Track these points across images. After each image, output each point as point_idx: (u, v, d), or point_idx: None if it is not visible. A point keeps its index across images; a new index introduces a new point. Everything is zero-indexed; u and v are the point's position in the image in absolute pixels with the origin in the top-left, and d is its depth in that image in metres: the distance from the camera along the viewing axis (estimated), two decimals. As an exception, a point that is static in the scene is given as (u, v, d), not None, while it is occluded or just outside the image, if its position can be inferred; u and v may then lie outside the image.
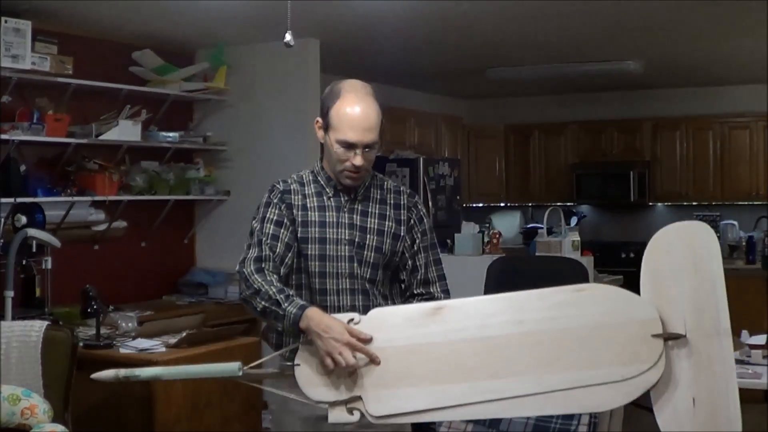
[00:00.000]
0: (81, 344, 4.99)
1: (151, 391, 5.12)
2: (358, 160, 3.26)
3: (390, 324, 2.95)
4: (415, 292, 3.43)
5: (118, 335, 5.65)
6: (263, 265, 3.25)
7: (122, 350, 5.32)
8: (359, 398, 2.71)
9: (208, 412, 5.45)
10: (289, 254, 3.32)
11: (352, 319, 2.98)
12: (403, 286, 3.48)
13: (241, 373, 2.86)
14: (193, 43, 7.80)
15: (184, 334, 5.56)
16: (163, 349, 5.35)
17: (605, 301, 2.61)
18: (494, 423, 4.46)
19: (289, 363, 3.06)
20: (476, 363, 2.63)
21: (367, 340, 2.97)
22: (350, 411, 2.69)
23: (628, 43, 8.41)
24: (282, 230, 3.32)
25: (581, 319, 2.55)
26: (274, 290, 3.16)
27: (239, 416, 5.68)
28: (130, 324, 5.76)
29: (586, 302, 2.67)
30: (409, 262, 3.43)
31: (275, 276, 3.23)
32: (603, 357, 2.46)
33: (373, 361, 2.92)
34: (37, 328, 4.72)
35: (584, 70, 9.69)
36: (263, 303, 3.16)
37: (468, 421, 4.51)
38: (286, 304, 3.11)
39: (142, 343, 5.40)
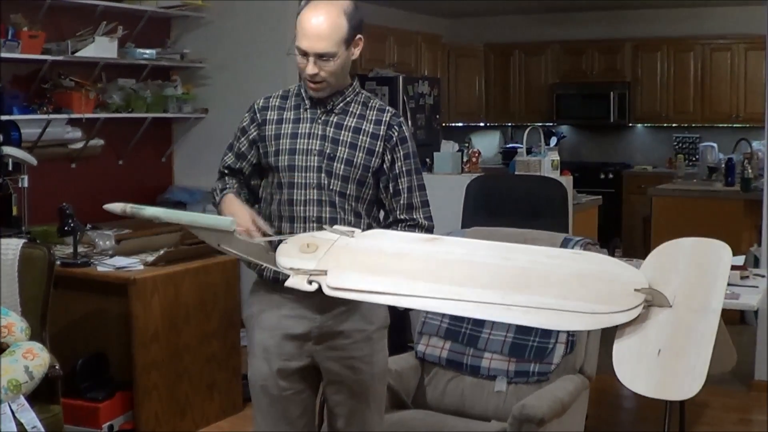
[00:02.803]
0: (58, 262, 4.97)
1: (129, 308, 5.13)
2: (309, 68, 3.24)
3: (384, 237, 2.95)
4: (399, 217, 3.39)
5: (96, 253, 5.64)
6: (224, 171, 3.52)
7: (100, 268, 5.31)
8: (324, 273, 2.70)
9: (185, 329, 5.47)
10: (244, 163, 3.48)
11: (353, 232, 2.96)
12: (384, 211, 3.46)
13: (233, 229, 2.90)
14: (170, -41, 7.69)
15: (162, 251, 5.56)
16: (141, 267, 5.35)
17: (598, 261, 2.60)
18: (472, 341, 4.48)
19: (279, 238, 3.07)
20: (450, 272, 2.62)
21: (268, 234, 3.16)
22: (310, 282, 2.69)
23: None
24: (241, 141, 3.48)
25: (568, 269, 2.54)
26: (219, 186, 3.46)
27: (217, 333, 5.70)
28: (107, 242, 5.75)
29: (579, 259, 2.67)
30: (391, 185, 3.40)
31: (233, 179, 3.49)
32: (577, 293, 2.44)
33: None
34: (13, 246, 4.70)
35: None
36: (214, 199, 3.46)
37: (446, 339, 4.54)
38: (218, 195, 3.41)
39: (120, 261, 5.39)
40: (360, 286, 2.66)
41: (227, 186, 3.42)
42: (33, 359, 4.17)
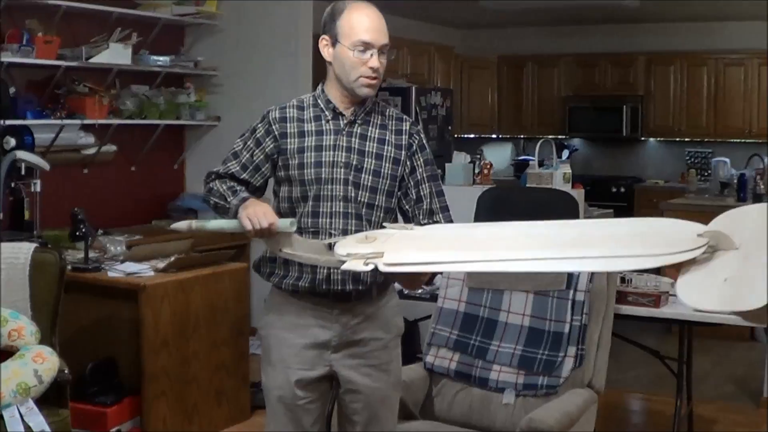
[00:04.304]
0: (69, 267, 4.98)
1: (139, 314, 5.13)
2: (374, 62, 3.26)
3: (442, 226, 2.99)
4: (422, 222, 3.40)
5: (107, 259, 5.64)
6: (223, 176, 3.43)
7: (110, 274, 5.32)
8: (381, 255, 2.71)
9: (195, 336, 5.47)
10: (257, 176, 3.42)
11: (411, 226, 2.99)
12: (404, 218, 3.46)
13: (294, 230, 2.93)
14: (185, -34, 7.71)
15: (172, 258, 5.56)
16: (152, 273, 5.35)
17: (659, 221, 2.61)
18: (481, 353, 4.47)
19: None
20: (507, 242, 2.64)
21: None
22: (366, 263, 2.70)
23: (625, -24, 8.34)
24: (255, 153, 3.40)
25: (628, 228, 2.55)
26: (224, 187, 3.34)
27: (226, 341, 5.70)
28: (118, 248, 5.76)
29: (640, 222, 2.68)
30: (413, 191, 3.41)
31: (234, 182, 3.38)
32: (637, 244, 2.44)
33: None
34: (25, 250, 4.70)
35: (580, 3, 9.64)
36: (214, 199, 3.36)
37: (455, 351, 4.53)
38: (231, 198, 3.27)
39: (131, 266, 5.40)
40: (417, 260, 2.69)
41: (238, 190, 3.33)
42: (42, 363, 4.18)
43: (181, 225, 3.14)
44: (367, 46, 3.25)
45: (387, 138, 3.39)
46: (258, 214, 3.08)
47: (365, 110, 3.40)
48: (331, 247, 2.97)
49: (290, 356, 3.40)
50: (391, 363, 3.50)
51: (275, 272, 3.42)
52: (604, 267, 2.54)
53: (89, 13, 6.76)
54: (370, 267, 2.70)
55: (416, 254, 2.71)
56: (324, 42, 3.35)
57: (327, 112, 3.39)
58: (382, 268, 2.68)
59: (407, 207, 3.43)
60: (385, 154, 3.37)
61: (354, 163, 3.33)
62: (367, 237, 2.84)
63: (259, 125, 3.43)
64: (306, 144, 3.35)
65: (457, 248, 2.70)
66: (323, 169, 3.32)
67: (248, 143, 3.43)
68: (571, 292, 4.35)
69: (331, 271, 3.30)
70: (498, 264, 2.66)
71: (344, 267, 2.77)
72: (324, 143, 3.35)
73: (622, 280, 4.99)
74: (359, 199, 3.33)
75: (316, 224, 3.32)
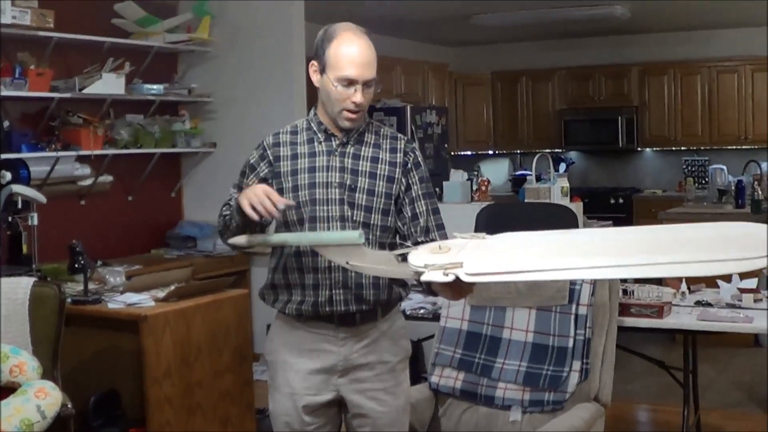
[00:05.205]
0: (69, 300, 4.95)
1: (141, 344, 5.11)
2: (358, 97, 3.25)
3: (516, 235, 2.95)
4: (418, 240, 3.37)
5: (107, 290, 5.61)
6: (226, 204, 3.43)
7: (111, 305, 5.29)
8: (460, 265, 2.67)
9: (198, 365, 5.44)
10: None
11: (483, 235, 2.96)
12: (400, 235, 3.44)
13: (362, 242, 2.88)
14: (175, -6, 7.72)
15: (173, 287, 5.53)
16: (152, 303, 5.32)
17: (741, 226, 2.59)
18: (485, 371, 4.45)
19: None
20: (588, 247, 2.62)
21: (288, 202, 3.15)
22: (446, 273, 2.66)
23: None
24: (250, 178, 3.42)
25: (711, 232, 2.54)
26: (226, 201, 3.40)
27: (230, 368, 5.67)
28: (118, 279, 5.73)
29: (720, 226, 2.65)
30: (408, 209, 3.40)
31: None
32: (723, 248, 2.43)
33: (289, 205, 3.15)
34: (24, 284, 4.68)
35: (571, 15, 9.65)
36: (223, 214, 3.38)
37: (459, 370, 4.51)
38: (232, 200, 3.31)
39: (131, 297, 5.37)
40: (500, 268, 2.65)
41: (232, 196, 3.36)
42: (45, 398, 4.16)
43: (240, 239, 3.12)
44: (351, 81, 3.24)
45: (380, 156, 3.38)
46: (256, 192, 3.09)
47: (358, 131, 3.39)
48: (401, 258, 2.93)
49: (296, 381, 3.39)
50: (398, 386, 3.48)
51: (278, 298, 3.41)
52: (695, 272, 2.51)
53: (81, 44, 6.75)
54: (451, 278, 2.66)
55: (500, 263, 2.67)
56: (313, 67, 3.35)
57: (319, 134, 3.38)
58: (465, 278, 2.64)
59: (401, 224, 3.41)
60: (378, 172, 3.36)
61: (348, 183, 3.32)
62: (441, 247, 2.80)
63: (254, 152, 3.45)
64: (299, 166, 3.36)
65: (537, 254, 2.66)
66: (317, 190, 3.32)
67: (246, 171, 3.44)
68: (574, 306, 4.34)
69: (333, 292, 3.30)
70: (581, 272, 2.63)
71: (424, 278, 2.73)
72: (317, 164, 3.35)
73: (624, 292, 4.97)
74: (355, 218, 3.31)
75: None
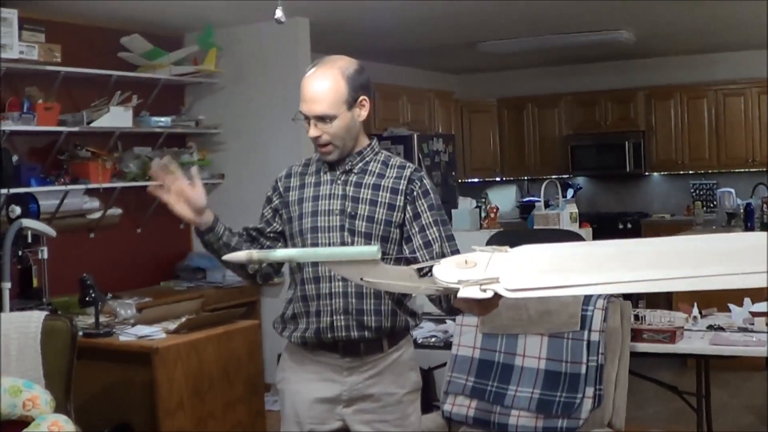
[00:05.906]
0: (80, 333, 4.96)
1: (153, 377, 5.10)
2: (311, 131, 3.28)
3: (538, 248, 2.91)
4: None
5: (117, 323, 5.62)
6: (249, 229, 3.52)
7: (122, 338, 5.29)
8: (496, 280, 2.63)
9: (209, 396, 5.43)
10: (268, 229, 3.49)
11: (506, 248, 2.92)
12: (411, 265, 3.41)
13: (378, 257, 2.84)
14: (181, 26, 7.75)
15: (183, 319, 5.54)
16: (163, 335, 5.33)
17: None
18: (498, 398, 4.44)
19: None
20: (623, 261, 2.59)
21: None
22: (483, 290, 2.62)
23: (620, 12, 8.37)
24: (266, 209, 3.52)
25: (745, 243, 2.53)
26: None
27: (242, 399, 5.66)
28: (128, 311, 5.74)
29: (750, 236, 2.64)
30: (419, 237, 3.34)
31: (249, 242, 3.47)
32: (757, 259, 2.42)
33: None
34: (35, 318, 4.69)
35: (576, 41, 9.66)
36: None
37: (472, 397, 4.49)
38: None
39: (142, 330, 5.38)
40: (541, 284, 2.61)
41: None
42: (58, 432, 4.15)
43: (240, 255, 3.12)
44: (305, 117, 3.30)
45: (383, 184, 3.37)
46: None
47: (363, 160, 3.40)
48: (421, 273, 2.89)
49: (302, 410, 3.40)
50: (406, 419, 3.45)
51: (286, 326, 3.43)
52: (740, 284, 2.48)
53: (88, 78, 6.79)
54: (489, 294, 2.63)
55: (536, 278, 2.63)
56: None
57: (325, 165, 3.40)
58: (505, 294, 2.60)
59: (411, 252, 3.36)
60: (379, 200, 3.35)
61: (348, 210, 3.33)
62: (467, 261, 2.77)
63: (270, 186, 3.53)
64: (305, 195, 3.40)
65: (574, 269, 2.63)
66: (319, 218, 3.34)
67: (264, 203, 3.53)
68: (586, 332, 4.33)
69: (334, 318, 3.30)
70: (641, 284, 2.60)
71: (461, 294, 2.69)
72: (321, 192, 3.38)
73: (636, 317, 4.96)
74: (356, 245, 3.31)
75: (316, 272, 3.33)
